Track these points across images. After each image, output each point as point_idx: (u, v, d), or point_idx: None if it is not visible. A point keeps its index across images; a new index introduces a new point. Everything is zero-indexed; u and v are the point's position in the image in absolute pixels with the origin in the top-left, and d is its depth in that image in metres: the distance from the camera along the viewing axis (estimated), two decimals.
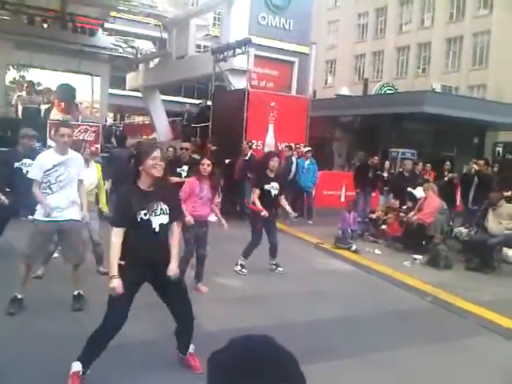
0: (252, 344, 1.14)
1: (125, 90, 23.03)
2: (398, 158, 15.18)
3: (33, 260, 5.12)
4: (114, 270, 3.55)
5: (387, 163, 12.45)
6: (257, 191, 7.11)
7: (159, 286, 3.89)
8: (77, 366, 3.58)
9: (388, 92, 25.29)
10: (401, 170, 12.14)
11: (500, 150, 24.21)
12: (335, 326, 5.37)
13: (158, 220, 3.64)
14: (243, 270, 7.13)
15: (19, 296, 5.01)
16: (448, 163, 12.24)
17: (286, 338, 3.62)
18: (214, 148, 11.85)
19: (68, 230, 5.01)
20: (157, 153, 3.60)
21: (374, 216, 10.82)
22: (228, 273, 7.04)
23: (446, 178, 11.71)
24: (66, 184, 4.96)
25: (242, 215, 10.68)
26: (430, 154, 16.08)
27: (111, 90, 21.21)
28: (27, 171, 6.38)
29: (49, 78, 17.79)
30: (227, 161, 11.59)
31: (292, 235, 10.22)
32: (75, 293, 5.28)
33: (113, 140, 15.18)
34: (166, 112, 20.51)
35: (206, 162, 5.95)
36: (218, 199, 7.21)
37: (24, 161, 6.63)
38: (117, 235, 3.58)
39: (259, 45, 15.30)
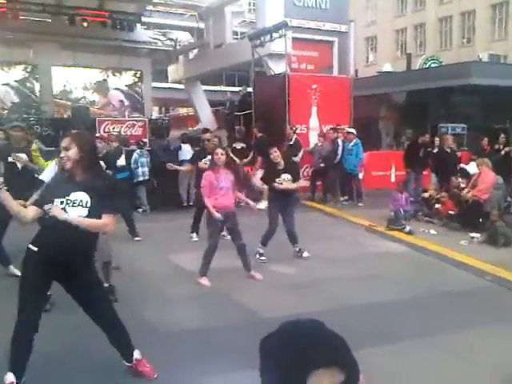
0: (301, 328, 1.14)
1: (168, 82, 23.24)
2: (447, 133, 14.70)
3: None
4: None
5: (437, 139, 12.06)
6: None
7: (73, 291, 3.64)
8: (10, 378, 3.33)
9: (433, 65, 24.49)
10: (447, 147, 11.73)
11: None
12: (392, 309, 5.28)
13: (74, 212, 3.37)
14: (262, 258, 7.00)
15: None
16: (503, 136, 11.76)
17: (342, 322, 3.59)
18: (260, 134, 11.82)
19: None
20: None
21: (426, 195, 10.53)
22: (281, 260, 7.03)
23: (502, 152, 11.27)
24: None
25: None
26: (481, 128, 15.47)
27: (154, 84, 21.46)
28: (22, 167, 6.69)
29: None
30: (273, 149, 11.49)
31: (342, 219, 10.11)
32: (106, 285, 5.22)
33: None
34: (209, 102, 20.60)
35: (220, 151, 5.93)
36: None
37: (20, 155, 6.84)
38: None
39: (296, 27, 15.13)
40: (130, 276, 6.10)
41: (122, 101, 16.93)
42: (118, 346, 3.73)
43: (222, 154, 5.86)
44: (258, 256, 6.97)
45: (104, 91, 18.33)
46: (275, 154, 6.88)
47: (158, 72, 22.34)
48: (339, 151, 11.59)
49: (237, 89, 20.90)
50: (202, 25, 19.02)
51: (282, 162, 6.91)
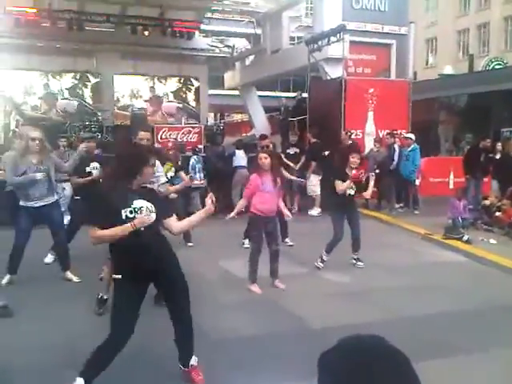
0: (362, 343, 1.11)
1: (223, 89, 23.55)
2: (511, 137, 14.08)
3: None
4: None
5: (499, 145, 11.58)
6: (343, 185, 6.73)
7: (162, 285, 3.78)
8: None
9: (496, 67, 23.56)
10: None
11: None
12: (450, 321, 5.12)
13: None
14: (320, 264, 6.94)
15: (105, 297, 5.22)
16: None
17: (397, 333, 3.54)
18: (314, 140, 11.77)
19: None
20: None
21: (487, 203, 10.13)
22: (333, 267, 6.96)
23: None
24: None
25: None
26: None
27: (210, 91, 21.80)
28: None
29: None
30: (326, 153, 11.43)
31: (398, 227, 9.90)
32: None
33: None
34: (264, 107, 20.70)
35: (263, 155, 5.92)
36: None
37: (93, 164, 7.08)
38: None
39: (354, 30, 14.94)
40: None
41: (178, 108, 17.30)
42: (181, 346, 3.78)
43: (265, 158, 5.89)
44: (318, 261, 6.93)
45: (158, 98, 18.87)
46: (355, 160, 6.74)
47: (214, 79, 22.67)
48: (395, 157, 11.35)
49: (292, 94, 20.89)
50: (259, 31, 19.16)
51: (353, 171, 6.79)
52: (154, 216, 3.48)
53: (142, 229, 3.42)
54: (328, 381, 1.08)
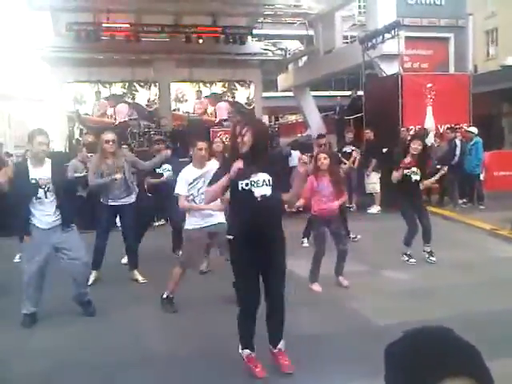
0: (429, 334, 1.07)
1: (277, 91, 23.64)
2: None
3: (187, 265, 5.42)
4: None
5: None
6: (395, 173, 6.80)
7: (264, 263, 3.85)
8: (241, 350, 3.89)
9: None
10: None
11: None
12: None
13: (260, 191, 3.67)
14: (411, 260, 6.89)
15: (171, 295, 5.39)
16: None
17: (465, 330, 3.40)
18: (372, 138, 11.60)
19: (219, 231, 5.14)
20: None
21: None
22: (393, 265, 6.82)
23: None
24: None
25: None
26: None
27: (264, 93, 21.92)
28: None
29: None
30: (384, 150, 11.24)
31: (463, 223, 9.58)
32: None
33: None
34: (318, 107, 20.61)
35: (323, 155, 5.91)
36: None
37: (164, 166, 7.21)
38: None
39: (409, 25, 14.66)
40: None
41: (230, 111, 17.53)
42: (273, 327, 3.95)
43: (324, 159, 5.87)
44: (406, 258, 6.96)
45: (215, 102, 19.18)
46: (416, 146, 6.80)
47: (268, 81, 22.79)
48: (457, 152, 11.00)
49: (347, 93, 20.68)
50: (311, 32, 19.11)
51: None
52: (267, 190, 3.65)
53: (259, 198, 3.63)
54: (396, 373, 1.05)
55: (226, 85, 19.39)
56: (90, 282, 5.95)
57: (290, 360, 3.92)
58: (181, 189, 5.25)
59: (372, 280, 6.37)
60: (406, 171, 6.78)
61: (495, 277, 6.26)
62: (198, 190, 5.22)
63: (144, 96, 18.71)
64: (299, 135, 20.03)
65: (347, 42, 18.46)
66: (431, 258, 6.96)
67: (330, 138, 13.59)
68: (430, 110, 12.24)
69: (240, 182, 3.63)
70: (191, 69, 18.80)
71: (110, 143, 6.17)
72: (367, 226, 9.02)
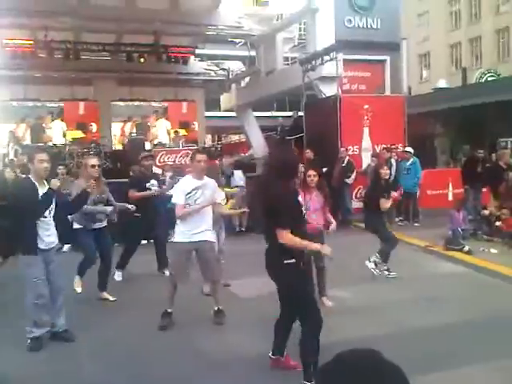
0: (358, 359, 1.12)
1: (220, 111, 23.76)
2: (507, 147, 14.17)
3: (175, 279, 5.50)
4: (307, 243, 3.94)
5: (494, 155, 11.68)
6: (386, 204, 7.16)
7: None
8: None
9: (490, 79, 23.78)
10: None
11: None
12: (453, 333, 5.11)
13: None
14: (391, 274, 7.24)
15: (169, 310, 5.48)
16: None
17: (402, 346, 3.56)
18: (312, 157, 11.83)
19: (204, 249, 5.41)
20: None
21: (486, 212, 10.15)
22: (335, 283, 6.94)
23: None
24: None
25: (343, 223, 10.57)
26: None
27: (207, 113, 21.97)
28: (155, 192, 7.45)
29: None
30: (324, 169, 11.49)
31: (399, 240, 9.87)
32: (215, 308, 5.60)
33: None
34: (260, 127, 20.83)
35: (312, 172, 5.93)
36: None
37: (152, 182, 7.47)
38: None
39: (347, 48, 15.13)
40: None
41: (176, 131, 17.43)
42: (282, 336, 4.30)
43: (314, 176, 5.90)
44: (386, 273, 7.24)
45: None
46: (385, 171, 7.34)
47: (211, 101, 22.88)
48: (393, 171, 11.40)
49: (288, 113, 21.05)
50: (253, 53, 19.38)
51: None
52: None
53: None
54: None
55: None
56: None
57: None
58: (178, 198, 5.34)
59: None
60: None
61: (430, 293, 6.50)
62: (195, 200, 5.35)
63: None
64: (242, 154, 20.14)
65: (288, 64, 18.85)
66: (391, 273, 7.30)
67: None
68: (366, 130, 12.66)
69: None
70: (132, 88, 18.63)
71: (96, 168, 6.18)
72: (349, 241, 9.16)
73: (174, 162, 13.03)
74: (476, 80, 24.28)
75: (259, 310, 5.96)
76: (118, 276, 7.47)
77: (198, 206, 5.33)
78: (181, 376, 4.30)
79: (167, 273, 7.35)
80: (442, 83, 25.32)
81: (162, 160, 13.19)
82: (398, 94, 15.06)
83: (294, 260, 3.85)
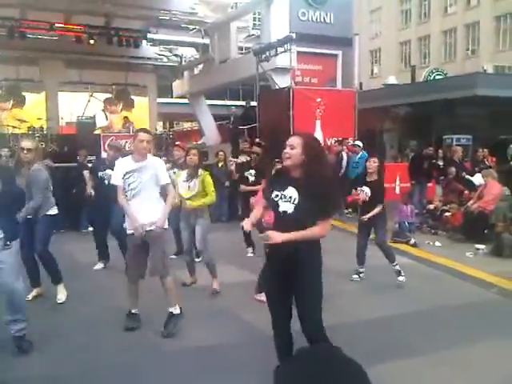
0: (317, 356, 1.11)
1: (172, 97, 23.43)
2: (452, 144, 14.69)
3: (127, 274, 4.96)
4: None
5: (440, 151, 12.08)
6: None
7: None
8: None
9: (437, 77, 24.53)
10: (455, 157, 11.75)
11: None
12: (399, 324, 5.23)
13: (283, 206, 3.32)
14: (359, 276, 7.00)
15: (132, 311, 4.97)
16: (511, 146, 11.73)
17: (350, 338, 3.59)
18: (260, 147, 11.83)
19: (150, 239, 4.77)
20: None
21: (431, 207, 10.51)
22: None
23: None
24: (140, 191, 4.73)
25: None
26: (487, 139, 15.44)
27: (159, 99, 21.62)
28: (108, 183, 6.60)
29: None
30: (277, 160, 11.53)
31: (347, 231, 10.06)
32: (168, 311, 4.87)
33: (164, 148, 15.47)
34: (213, 116, 20.71)
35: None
36: None
37: (106, 171, 6.97)
38: None
39: (301, 40, 15.23)
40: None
41: (126, 116, 17.08)
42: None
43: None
44: (356, 276, 6.96)
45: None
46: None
47: (163, 87, 22.52)
48: (343, 164, 11.59)
49: (241, 103, 21.00)
50: (207, 40, 19.19)
51: None
52: (288, 207, 3.28)
53: (281, 214, 3.30)
54: None
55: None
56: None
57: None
58: (116, 179, 4.80)
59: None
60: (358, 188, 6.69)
61: (376, 285, 6.64)
62: (129, 184, 4.72)
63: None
64: (194, 143, 19.96)
65: (242, 53, 18.77)
66: (399, 278, 6.72)
67: (225, 146, 13.71)
68: (318, 123, 12.80)
69: (274, 193, 3.39)
70: (81, 70, 18.06)
71: (26, 151, 5.43)
72: None
73: (124, 147, 12.73)
74: (424, 78, 24.96)
75: (218, 300, 5.99)
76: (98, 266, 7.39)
77: (129, 212, 4.74)
78: (131, 365, 4.21)
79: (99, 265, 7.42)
80: (392, 79, 25.89)
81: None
82: (349, 88, 15.31)
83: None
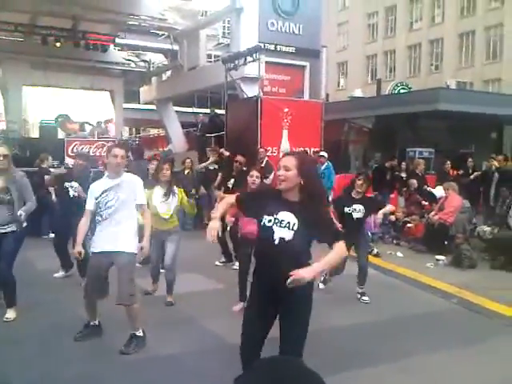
0: (279, 367, 1.10)
1: (139, 103, 23.23)
2: (415, 157, 15.03)
3: (86, 293, 4.70)
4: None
5: (403, 164, 12.35)
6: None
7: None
8: None
9: (402, 91, 25.08)
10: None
11: None
12: (361, 333, 5.31)
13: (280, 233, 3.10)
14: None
15: (91, 323, 4.85)
16: (470, 160, 12.08)
17: (312, 347, 3.60)
18: (227, 154, 11.86)
19: (118, 264, 4.56)
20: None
21: (394, 218, 10.70)
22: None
23: (471, 176, 11.58)
24: (118, 210, 4.53)
25: None
26: (448, 152, 15.86)
27: (126, 105, 21.40)
28: (73, 195, 6.62)
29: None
30: (244, 168, 11.56)
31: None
32: (130, 332, 4.71)
33: (129, 154, 15.28)
34: (181, 123, 20.61)
35: (255, 173, 5.57)
36: None
37: (72, 183, 6.78)
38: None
39: (270, 50, 15.37)
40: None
41: (87, 122, 16.85)
42: None
43: (257, 177, 5.53)
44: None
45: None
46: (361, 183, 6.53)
47: (130, 93, 22.31)
48: None
49: (209, 110, 20.99)
50: (176, 47, 19.14)
51: None
52: (287, 234, 3.06)
53: (277, 241, 3.08)
54: None
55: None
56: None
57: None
58: (89, 203, 4.63)
59: (228, 299, 6.46)
60: (346, 209, 6.44)
61: (338, 294, 6.72)
62: (106, 203, 4.50)
63: None
64: (160, 149, 19.81)
65: (211, 61, 18.79)
66: (363, 298, 6.57)
67: (192, 154, 13.66)
68: (285, 133, 12.89)
69: (265, 217, 3.15)
70: (46, 72, 17.71)
71: (1, 158, 5.15)
72: None
73: (89, 153, 12.56)
74: (389, 91, 25.49)
75: (179, 310, 5.94)
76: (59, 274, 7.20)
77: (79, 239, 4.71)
78: (92, 375, 4.14)
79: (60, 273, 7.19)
80: (358, 92, 26.34)
81: (75, 150, 12.66)
82: (316, 99, 15.49)
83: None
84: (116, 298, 4.60)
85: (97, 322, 4.89)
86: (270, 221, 3.11)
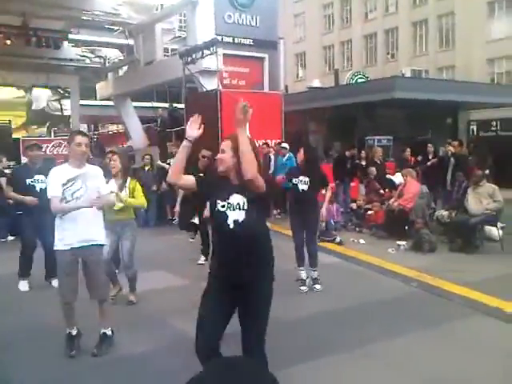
0: (230, 368, 1.11)
1: (96, 99, 22.79)
2: (374, 145, 15.28)
3: (66, 298, 4.46)
4: None
5: (363, 152, 12.56)
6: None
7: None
8: None
9: (359, 80, 25.40)
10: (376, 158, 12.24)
11: (474, 128, 24.56)
12: (326, 321, 5.38)
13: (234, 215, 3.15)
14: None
15: (73, 333, 4.57)
16: (430, 145, 12.34)
17: (274, 337, 3.64)
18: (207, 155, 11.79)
19: (89, 258, 4.44)
20: None
21: (355, 205, 10.89)
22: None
23: (428, 163, 11.84)
24: (86, 200, 4.36)
25: None
26: (406, 139, 16.19)
27: (82, 101, 20.97)
28: (40, 188, 6.26)
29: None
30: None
31: (275, 232, 10.20)
32: (101, 332, 4.62)
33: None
34: (140, 118, 20.35)
35: (206, 153, 5.72)
36: None
37: (37, 177, 6.48)
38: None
39: (227, 43, 15.32)
40: None
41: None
42: None
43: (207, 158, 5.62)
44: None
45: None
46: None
47: (87, 89, 21.86)
48: (271, 165, 11.77)
49: (168, 105, 20.78)
50: (131, 42, 18.84)
51: None
52: (239, 215, 3.11)
53: (231, 225, 3.11)
54: None
55: None
56: None
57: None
58: (53, 190, 4.29)
59: (192, 294, 6.44)
60: (293, 180, 6.57)
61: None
62: (73, 193, 4.31)
63: None
64: (120, 146, 19.52)
65: (168, 55, 18.59)
66: (316, 286, 6.52)
67: (153, 149, 13.53)
68: (246, 125, 12.89)
69: (218, 202, 3.18)
70: None
71: None
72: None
73: (45, 152, 12.26)
74: (347, 81, 25.77)
75: (147, 306, 5.90)
76: (22, 285, 6.65)
77: (77, 204, 4.29)
78: (60, 377, 4.07)
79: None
80: (316, 83, 26.49)
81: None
82: (275, 91, 15.55)
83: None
84: (91, 294, 4.51)
85: (75, 332, 4.60)
86: (223, 206, 3.16)
